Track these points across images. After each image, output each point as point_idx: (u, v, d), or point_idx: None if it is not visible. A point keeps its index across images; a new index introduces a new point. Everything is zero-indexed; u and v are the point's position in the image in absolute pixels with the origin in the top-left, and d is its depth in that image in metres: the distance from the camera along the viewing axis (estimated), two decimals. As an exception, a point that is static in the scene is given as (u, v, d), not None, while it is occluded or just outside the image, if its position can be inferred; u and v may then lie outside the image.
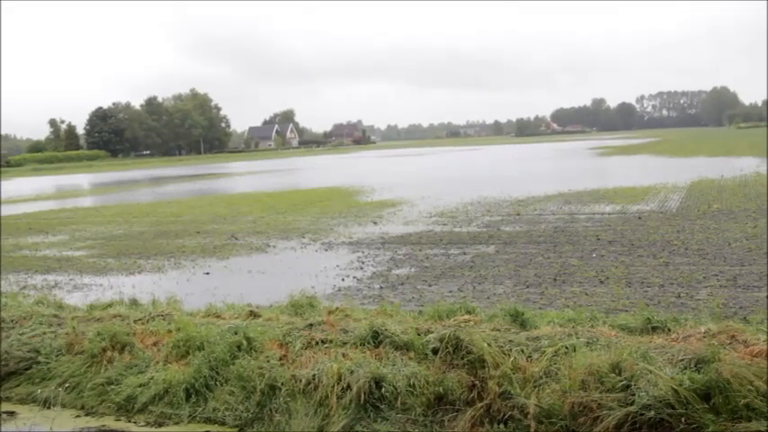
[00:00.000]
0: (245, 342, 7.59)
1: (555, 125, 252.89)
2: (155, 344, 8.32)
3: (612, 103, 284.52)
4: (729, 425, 5.27)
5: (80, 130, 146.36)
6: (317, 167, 70.04)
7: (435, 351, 6.93)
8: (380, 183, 39.54)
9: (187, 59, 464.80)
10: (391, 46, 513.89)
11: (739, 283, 11.16)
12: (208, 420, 7.07)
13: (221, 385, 7.23)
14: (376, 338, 7.42)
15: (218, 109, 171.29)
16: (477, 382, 6.40)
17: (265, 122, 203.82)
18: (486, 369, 6.46)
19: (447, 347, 6.82)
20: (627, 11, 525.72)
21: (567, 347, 6.71)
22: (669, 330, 7.30)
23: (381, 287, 12.34)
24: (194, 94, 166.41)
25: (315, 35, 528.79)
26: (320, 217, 23.50)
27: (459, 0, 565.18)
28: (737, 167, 36.89)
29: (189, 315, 9.42)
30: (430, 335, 7.27)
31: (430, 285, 12.24)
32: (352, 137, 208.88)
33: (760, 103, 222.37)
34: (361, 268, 14.18)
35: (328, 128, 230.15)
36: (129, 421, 7.39)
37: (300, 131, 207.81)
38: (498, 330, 7.49)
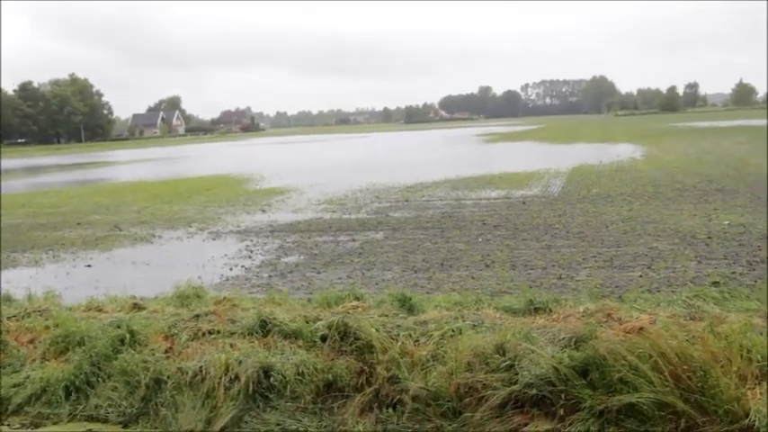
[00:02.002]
0: (128, 336, 7.35)
1: (443, 112, 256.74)
2: (31, 341, 7.95)
3: (498, 90, 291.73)
4: (605, 398, 5.49)
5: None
6: (205, 155, 68.68)
7: (324, 338, 6.92)
8: (269, 170, 39.14)
9: (66, 45, 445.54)
10: (278, 32, 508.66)
11: (615, 263, 11.68)
12: (89, 418, 6.80)
13: (104, 381, 6.97)
14: (264, 327, 7.34)
15: (100, 95, 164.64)
16: (366, 367, 6.44)
17: (150, 109, 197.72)
18: (375, 354, 6.50)
19: (335, 334, 6.82)
20: (510, 5, 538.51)
21: (453, 330, 6.84)
22: (550, 311, 7.55)
23: (270, 276, 12.24)
24: (74, 80, 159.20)
25: (200, 20, 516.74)
26: (207, 206, 23.06)
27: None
28: (614, 153, 38.56)
29: (68, 310, 9.05)
30: (318, 322, 7.25)
31: (319, 273, 12.22)
32: (241, 124, 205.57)
33: (635, 92, 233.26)
34: (250, 257, 14.02)
35: (216, 115, 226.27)
36: (2, 424, 7.02)
37: (187, 118, 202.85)
38: (386, 316, 7.56)
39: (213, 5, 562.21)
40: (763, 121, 75.35)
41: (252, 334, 7.32)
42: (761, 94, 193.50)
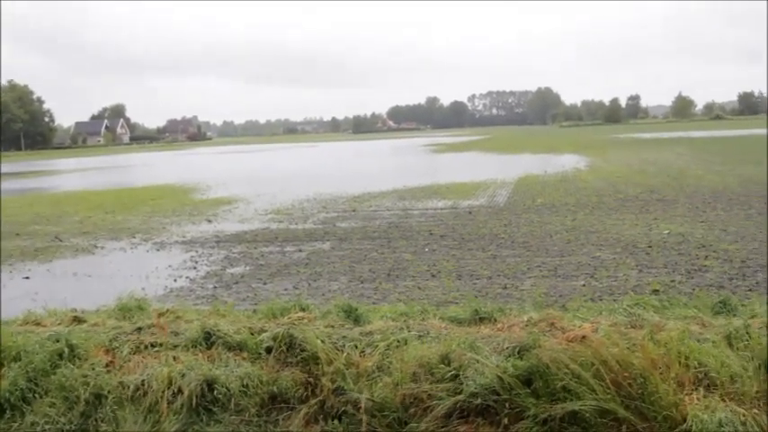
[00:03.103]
0: (67, 350, 7.16)
1: (391, 122, 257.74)
2: (-38, 358, 7.69)
3: (446, 101, 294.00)
4: (549, 406, 5.55)
5: None
6: (150, 164, 67.66)
7: (269, 350, 6.85)
8: (216, 180, 38.79)
9: (3, 50, 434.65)
10: (226, 40, 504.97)
11: (559, 273, 11.85)
12: (25, 436, 6.62)
13: (41, 397, 6.77)
14: (208, 340, 7.23)
15: (41, 102, 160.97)
16: (311, 379, 6.39)
17: (94, 117, 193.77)
18: (320, 366, 6.46)
19: (281, 346, 6.76)
20: (457, 17, 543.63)
21: (399, 341, 6.83)
22: (495, 320, 7.59)
23: (215, 287, 12.11)
24: (12, 86, 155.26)
25: (146, 29, 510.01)
26: (152, 216, 22.72)
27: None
28: (559, 164, 39.19)
29: (4, 324, 8.78)
30: (264, 334, 7.17)
31: (265, 284, 12.14)
32: (187, 133, 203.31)
33: (579, 104, 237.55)
34: (195, 268, 13.86)
35: (162, 123, 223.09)
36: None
37: (132, 127, 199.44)
38: (332, 327, 7.52)
39: (158, 12, 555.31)
40: (701, 133, 77.42)
41: (195, 346, 7.19)
42: (699, 106, 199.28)
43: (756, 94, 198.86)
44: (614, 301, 9.16)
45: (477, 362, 6.09)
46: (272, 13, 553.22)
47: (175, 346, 7.28)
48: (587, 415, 5.39)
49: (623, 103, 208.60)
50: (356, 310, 8.15)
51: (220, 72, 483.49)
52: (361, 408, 6.00)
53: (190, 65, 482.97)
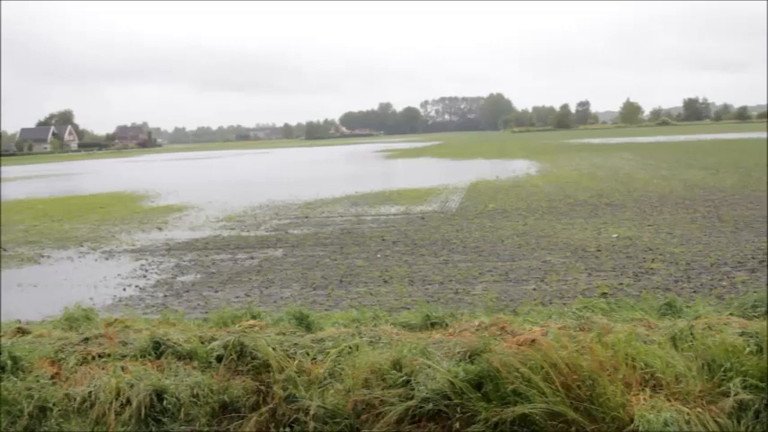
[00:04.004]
0: (9, 362, 6.99)
1: (344, 128, 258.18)
2: None
3: (398, 107, 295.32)
4: (499, 410, 5.59)
5: None
6: (99, 171, 66.54)
7: (220, 358, 6.79)
8: (167, 187, 38.32)
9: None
10: (177, 46, 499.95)
11: (510, 277, 11.95)
12: (-34, 452, 6.44)
13: (-18, 412, 6.62)
14: (157, 349, 7.14)
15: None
16: (262, 387, 6.34)
17: (40, 123, 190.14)
18: (271, 373, 6.42)
19: (231, 354, 6.70)
20: (411, 23, 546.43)
21: (350, 347, 6.82)
22: (447, 325, 7.64)
23: (166, 295, 11.94)
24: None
25: (94, 32, 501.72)
26: (101, 224, 22.33)
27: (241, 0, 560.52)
28: (511, 169, 39.60)
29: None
30: (214, 342, 7.10)
31: (216, 291, 12.01)
32: (138, 139, 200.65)
33: (531, 110, 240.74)
34: (145, 276, 13.65)
35: (112, 130, 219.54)
36: None
37: (81, 133, 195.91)
38: (284, 334, 7.47)
39: (106, 15, 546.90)
40: (648, 138, 78.97)
41: (144, 356, 7.09)
42: (646, 112, 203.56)
43: (701, 100, 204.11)
44: (564, 304, 9.30)
45: (429, 367, 6.11)
46: (222, 20, 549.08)
47: (124, 357, 7.17)
48: (537, 418, 5.44)
49: (573, 108, 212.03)
50: (308, 317, 8.14)
51: (173, 78, 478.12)
52: (312, 415, 5.97)
53: (140, 70, 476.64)
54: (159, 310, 10.71)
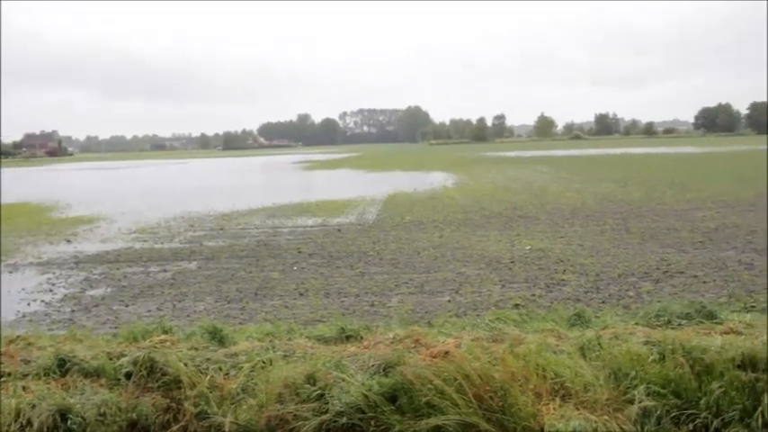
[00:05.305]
0: None
1: (262, 139, 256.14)
2: None
3: (317, 118, 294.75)
4: (413, 423, 5.61)
5: None
6: (4, 181, 64.03)
7: (129, 375, 6.59)
8: (77, 198, 37.20)
9: None
10: (87, 51, 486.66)
11: (426, 289, 12.04)
12: None
13: None
14: (62, 367, 6.88)
15: None
16: (173, 404, 6.19)
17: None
18: (183, 390, 6.28)
19: (141, 371, 6.52)
20: (327, 34, 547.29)
21: (264, 362, 6.73)
22: (361, 338, 7.62)
23: (73, 310, 11.56)
24: None
25: None
26: (5, 236, 21.45)
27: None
28: (428, 181, 40.03)
29: None
30: (123, 358, 6.89)
31: (127, 306, 11.70)
32: (47, 148, 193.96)
33: (448, 122, 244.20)
34: (51, 291, 13.18)
35: (19, 138, 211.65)
36: None
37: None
38: (196, 349, 7.32)
39: (12, 19, 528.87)
40: (562, 152, 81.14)
41: (48, 374, 6.82)
42: (560, 126, 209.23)
43: (611, 115, 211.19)
44: (477, 316, 9.42)
45: (343, 380, 6.08)
46: (129, 24, 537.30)
47: (25, 376, 6.88)
48: (451, 429, 5.48)
49: (489, 122, 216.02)
50: (221, 331, 8.00)
51: (84, 84, 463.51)
52: (224, 431, 5.86)
53: (50, 77, 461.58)
54: (66, 325, 10.35)
